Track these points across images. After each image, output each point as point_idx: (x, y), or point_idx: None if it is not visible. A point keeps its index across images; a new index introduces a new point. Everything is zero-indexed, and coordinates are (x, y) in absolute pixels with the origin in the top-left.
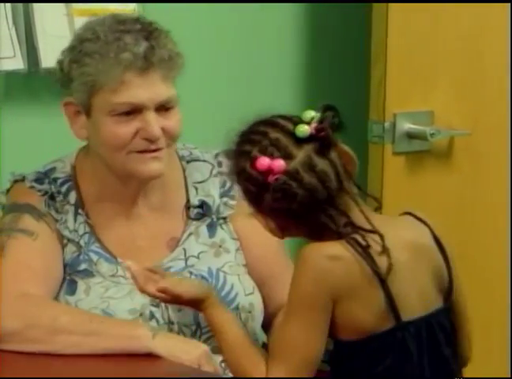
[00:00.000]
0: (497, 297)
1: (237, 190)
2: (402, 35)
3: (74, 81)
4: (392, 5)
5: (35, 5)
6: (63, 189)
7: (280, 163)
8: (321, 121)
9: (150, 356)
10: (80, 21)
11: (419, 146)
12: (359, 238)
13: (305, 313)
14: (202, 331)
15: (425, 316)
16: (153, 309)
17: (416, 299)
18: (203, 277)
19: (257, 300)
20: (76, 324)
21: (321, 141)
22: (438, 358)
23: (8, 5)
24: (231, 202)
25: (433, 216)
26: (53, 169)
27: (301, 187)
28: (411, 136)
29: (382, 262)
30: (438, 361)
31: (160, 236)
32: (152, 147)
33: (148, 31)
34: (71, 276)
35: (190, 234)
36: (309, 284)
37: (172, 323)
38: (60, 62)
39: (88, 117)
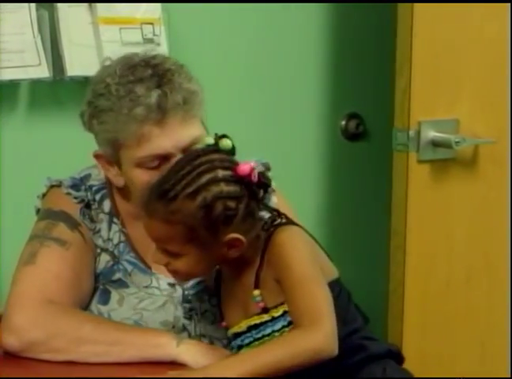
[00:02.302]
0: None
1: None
2: (427, 43)
3: (98, 136)
4: (417, 14)
5: (61, 14)
6: (97, 196)
7: (253, 161)
8: None
9: (174, 364)
10: (105, 30)
11: (443, 154)
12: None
13: (318, 276)
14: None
15: None
16: (186, 321)
17: None
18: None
19: None
20: (100, 333)
21: None
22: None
23: (33, 13)
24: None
25: (457, 224)
26: (88, 176)
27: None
28: (436, 144)
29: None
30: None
31: None
32: None
33: (160, 76)
34: (105, 286)
35: None
36: (307, 254)
37: (204, 336)
38: (81, 115)
39: (119, 168)
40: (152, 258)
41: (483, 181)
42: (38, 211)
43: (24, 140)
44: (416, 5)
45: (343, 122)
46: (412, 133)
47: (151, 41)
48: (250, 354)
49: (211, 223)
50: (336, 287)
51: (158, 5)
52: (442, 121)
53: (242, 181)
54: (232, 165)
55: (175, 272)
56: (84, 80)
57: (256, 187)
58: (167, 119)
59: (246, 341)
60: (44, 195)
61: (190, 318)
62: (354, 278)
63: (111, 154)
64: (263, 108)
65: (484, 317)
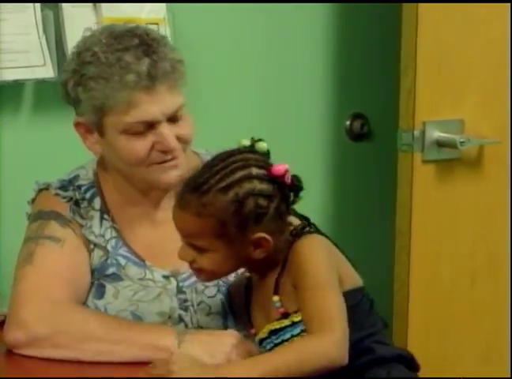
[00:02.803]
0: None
1: None
2: (432, 43)
3: (82, 103)
4: (422, 14)
5: (66, 14)
6: (87, 195)
7: (285, 164)
8: None
9: None
10: None
11: (448, 154)
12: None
13: (333, 283)
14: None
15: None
16: (182, 312)
17: None
18: (225, 284)
19: None
20: (104, 331)
21: None
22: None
23: (38, 13)
24: None
25: (462, 225)
26: (76, 177)
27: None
28: (440, 144)
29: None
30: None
31: None
32: (169, 157)
33: (148, 45)
34: (99, 281)
35: None
36: (324, 261)
37: (201, 327)
38: (64, 84)
39: (101, 135)
40: (178, 254)
41: (488, 181)
42: (29, 216)
43: (28, 140)
44: (421, 5)
45: (347, 122)
46: (416, 133)
47: None
48: (261, 358)
49: (241, 219)
50: (358, 294)
51: (163, 5)
52: (447, 122)
53: (276, 181)
54: (267, 165)
55: (199, 271)
56: None
57: (288, 189)
58: (156, 86)
59: (268, 347)
60: (33, 200)
61: (185, 309)
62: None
63: (94, 121)
64: (268, 108)
65: (489, 318)
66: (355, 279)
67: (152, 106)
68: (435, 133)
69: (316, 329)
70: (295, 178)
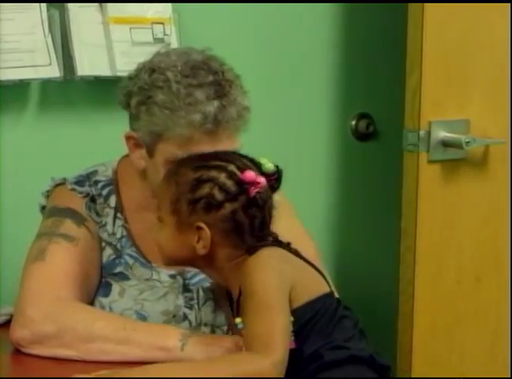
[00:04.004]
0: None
1: (276, 200)
2: (438, 42)
3: (140, 122)
4: (427, 13)
5: (71, 14)
6: (104, 192)
7: (263, 180)
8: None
9: None
10: (115, 30)
11: (454, 154)
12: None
13: (279, 304)
14: (235, 332)
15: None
16: (187, 310)
17: None
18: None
19: None
20: (110, 330)
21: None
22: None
23: (44, 13)
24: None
25: (468, 225)
26: (94, 172)
27: (268, 207)
28: (446, 144)
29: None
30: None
31: None
32: None
33: (220, 86)
34: (106, 279)
35: None
36: (273, 276)
37: (205, 324)
38: (127, 96)
39: (149, 156)
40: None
41: (494, 181)
42: (42, 208)
43: (34, 139)
44: (427, 4)
45: (353, 122)
46: (422, 133)
47: (161, 41)
48: (193, 364)
49: (192, 200)
50: (318, 304)
51: (169, 4)
52: (453, 122)
53: (241, 185)
54: (245, 168)
55: (157, 246)
56: (95, 80)
57: (250, 201)
58: (219, 131)
59: None
60: (49, 193)
61: (190, 307)
62: (363, 278)
63: (148, 143)
64: (273, 108)
65: (494, 318)
66: (315, 289)
67: (209, 147)
68: (441, 133)
69: (256, 348)
70: (263, 196)
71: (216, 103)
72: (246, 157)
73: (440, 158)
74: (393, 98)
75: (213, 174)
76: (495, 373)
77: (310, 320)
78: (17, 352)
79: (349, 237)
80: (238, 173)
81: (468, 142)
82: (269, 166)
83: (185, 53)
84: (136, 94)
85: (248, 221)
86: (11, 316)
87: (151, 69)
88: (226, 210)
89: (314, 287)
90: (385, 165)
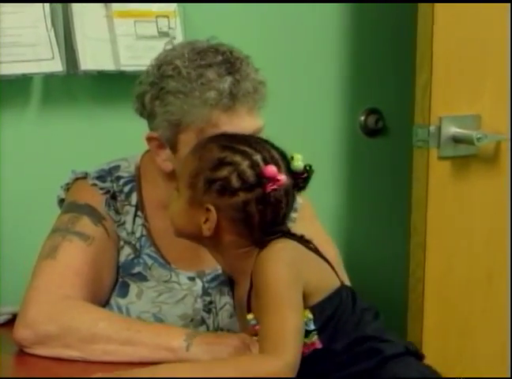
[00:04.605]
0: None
1: (298, 203)
2: (448, 38)
3: (157, 117)
4: (438, 6)
5: (75, 7)
6: (126, 188)
7: (284, 178)
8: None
9: None
10: (119, 23)
11: (465, 150)
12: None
13: (292, 302)
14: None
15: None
16: (205, 315)
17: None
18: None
19: None
20: (113, 331)
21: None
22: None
23: (47, 6)
24: (293, 215)
25: (478, 222)
26: (117, 167)
27: (282, 207)
28: (457, 140)
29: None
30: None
31: None
32: None
33: (231, 63)
34: (124, 279)
35: None
36: (286, 270)
37: (222, 329)
38: (140, 96)
39: (173, 152)
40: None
41: (505, 178)
42: (61, 201)
43: (37, 134)
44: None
45: (362, 118)
46: (432, 128)
47: (166, 34)
48: (205, 364)
49: (210, 180)
50: (336, 298)
51: None
52: (464, 117)
53: (260, 178)
54: (272, 162)
55: (170, 217)
56: (98, 75)
57: (263, 196)
58: (236, 107)
59: None
60: (68, 187)
61: (209, 311)
62: (373, 276)
63: (169, 137)
64: (281, 103)
65: (505, 316)
66: (330, 284)
67: (230, 127)
68: (451, 129)
69: (268, 349)
70: (281, 196)
71: (229, 79)
72: (278, 149)
73: (451, 154)
74: (403, 93)
75: (237, 159)
76: (507, 371)
77: (332, 317)
78: (21, 352)
79: (358, 234)
80: (261, 164)
81: (479, 138)
82: (298, 164)
83: (190, 43)
84: (148, 92)
85: (258, 215)
86: (12, 315)
87: (158, 65)
88: (239, 198)
89: (330, 280)
90: (394, 161)
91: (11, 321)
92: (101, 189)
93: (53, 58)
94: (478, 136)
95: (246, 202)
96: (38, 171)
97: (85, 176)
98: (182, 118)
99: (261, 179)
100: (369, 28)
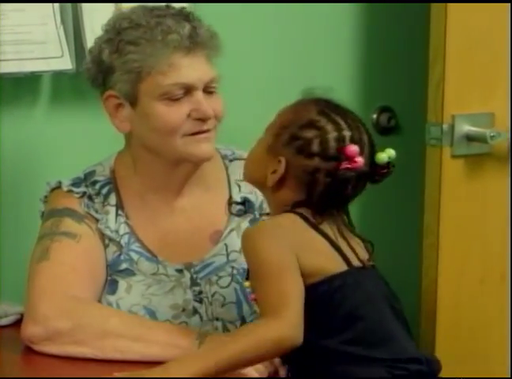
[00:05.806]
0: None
1: None
2: (461, 35)
3: (116, 72)
4: (450, 5)
5: (84, 5)
6: (104, 191)
7: (362, 162)
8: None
9: None
10: None
11: (478, 149)
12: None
13: (288, 266)
14: None
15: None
16: (197, 304)
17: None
18: (245, 271)
19: None
20: (125, 327)
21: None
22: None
23: (56, 4)
24: None
25: (492, 221)
26: (92, 172)
27: (347, 188)
28: (470, 138)
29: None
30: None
31: (204, 229)
32: (204, 127)
33: (185, 14)
34: (112, 276)
35: (232, 230)
36: (273, 243)
37: (217, 319)
38: (96, 57)
39: (133, 106)
40: None
41: None
42: (42, 214)
43: (45, 132)
44: None
45: (374, 116)
46: (445, 127)
47: None
48: (214, 347)
49: (294, 136)
50: (336, 280)
51: None
52: (477, 115)
53: (339, 153)
54: (358, 143)
55: (246, 158)
56: None
57: (334, 170)
58: (196, 51)
59: None
60: (46, 199)
61: (200, 301)
62: (386, 276)
63: (128, 91)
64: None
65: None
66: (332, 266)
67: (192, 70)
68: (465, 127)
69: (269, 312)
70: (346, 180)
71: (187, 25)
72: (370, 136)
73: (464, 152)
74: (416, 91)
75: (328, 127)
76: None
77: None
78: (27, 352)
79: (370, 234)
80: (347, 142)
81: (493, 136)
82: (382, 157)
83: (138, 5)
84: (104, 49)
85: (322, 186)
86: (21, 315)
87: (111, 24)
88: (312, 163)
89: (332, 263)
90: (407, 160)
91: (17, 322)
92: (77, 193)
93: (62, 55)
94: (491, 134)
95: (317, 169)
96: (47, 169)
97: (59, 185)
98: (144, 63)
99: (340, 155)
100: (381, 26)
